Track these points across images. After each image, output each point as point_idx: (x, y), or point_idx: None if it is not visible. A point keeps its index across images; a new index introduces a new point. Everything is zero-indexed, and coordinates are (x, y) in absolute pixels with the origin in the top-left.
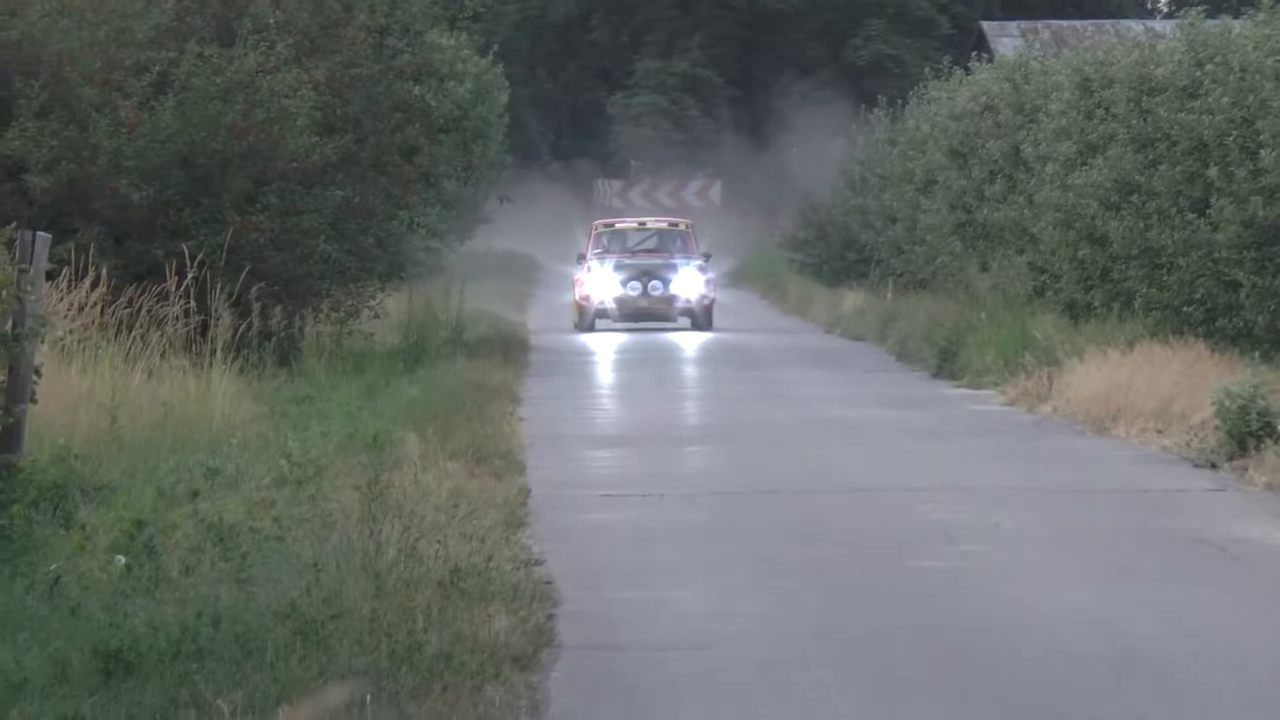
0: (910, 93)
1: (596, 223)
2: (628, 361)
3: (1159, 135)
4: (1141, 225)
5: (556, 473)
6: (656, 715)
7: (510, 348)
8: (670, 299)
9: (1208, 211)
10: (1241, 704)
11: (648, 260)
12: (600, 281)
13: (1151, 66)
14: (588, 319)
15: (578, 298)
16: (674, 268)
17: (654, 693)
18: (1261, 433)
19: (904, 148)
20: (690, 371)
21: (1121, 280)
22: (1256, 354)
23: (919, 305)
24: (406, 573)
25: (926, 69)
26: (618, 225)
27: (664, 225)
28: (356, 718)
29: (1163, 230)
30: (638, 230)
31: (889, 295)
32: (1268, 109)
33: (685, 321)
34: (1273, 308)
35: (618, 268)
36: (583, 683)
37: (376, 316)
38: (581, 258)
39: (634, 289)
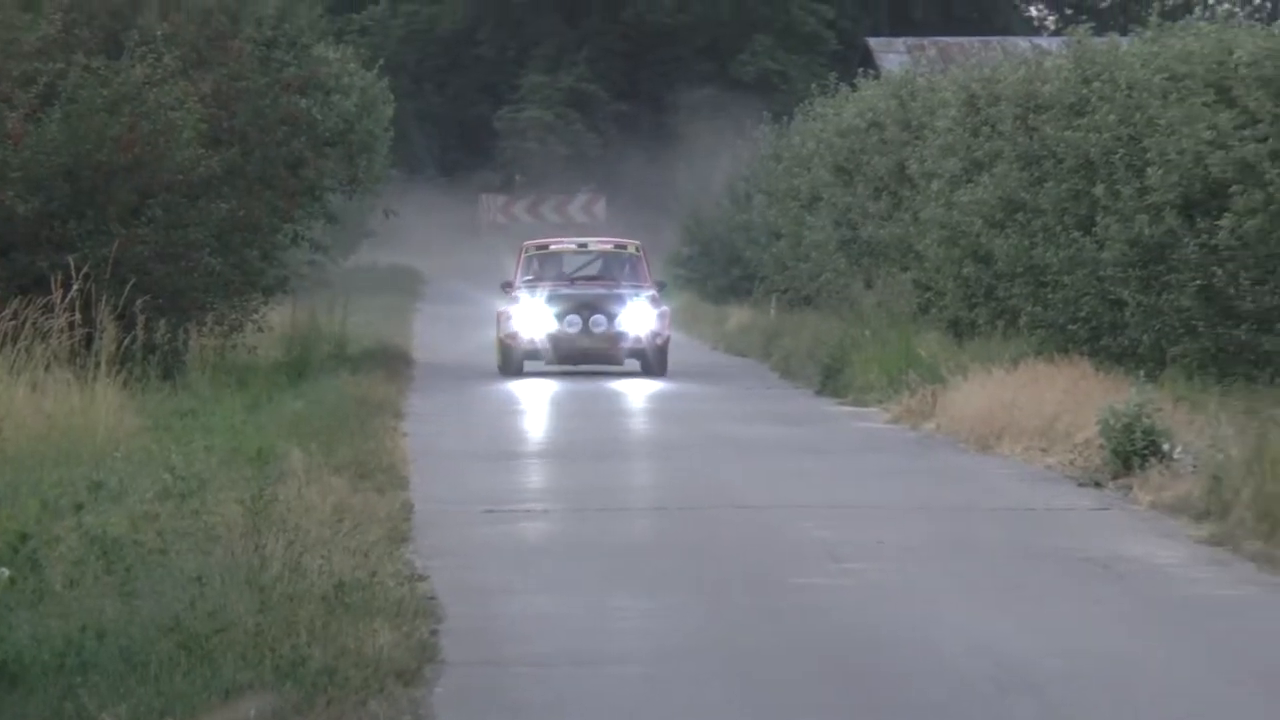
0: (796, 109)
1: (527, 244)
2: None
3: (1045, 153)
4: (1026, 243)
5: (440, 488)
6: None
7: (394, 362)
8: (616, 337)
9: (1093, 230)
10: None
11: (589, 290)
12: (531, 315)
13: (1038, 84)
14: (514, 360)
15: (503, 334)
16: (621, 299)
17: (538, 708)
18: (1146, 452)
19: (789, 164)
20: (575, 387)
21: (1006, 298)
22: (1141, 373)
23: (803, 322)
24: (290, 587)
25: (813, 85)
26: (552, 247)
27: (609, 247)
28: None
29: (1048, 248)
30: (577, 253)
31: (773, 312)
32: (1154, 127)
33: (634, 364)
34: (1157, 326)
35: (552, 299)
36: (467, 698)
37: (260, 330)
38: (508, 286)
39: (572, 325)
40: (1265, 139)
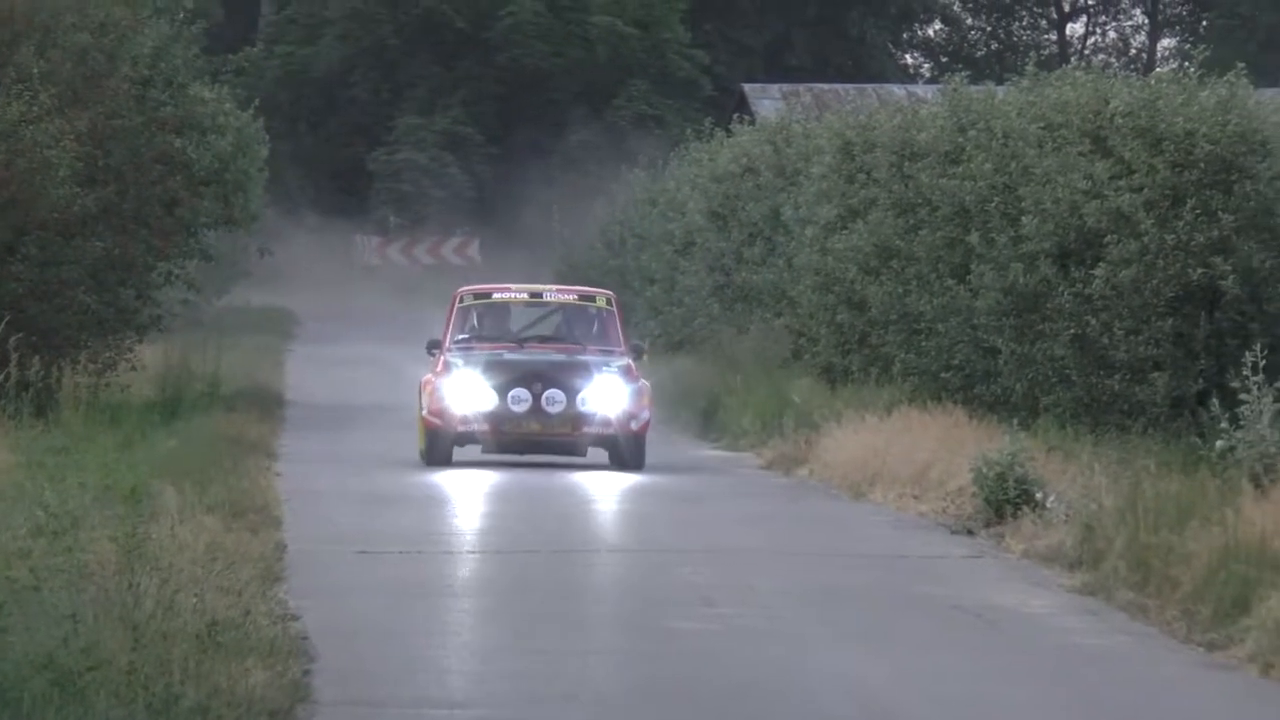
0: (671, 153)
1: (462, 292)
2: (387, 423)
3: (920, 200)
4: (901, 290)
5: (313, 528)
6: None
7: (267, 403)
8: (577, 419)
9: (968, 278)
10: None
11: (543, 356)
12: (464, 388)
13: (913, 131)
14: (441, 446)
15: (427, 411)
16: (585, 369)
17: None
18: (1019, 500)
19: (663, 208)
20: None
21: (880, 345)
22: (1014, 421)
23: (677, 367)
24: (164, 625)
25: (688, 130)
26: (496, 296)
27: (571, 298)
28: None
29: (922, 296)
30: (529, 304)
31: (645, 358)
32: (1030, 176)
33: (599, 454)
34: (1030, 375)
35: (493, 366)
36: None
37: (134, 369)
38: (434, 347)
39: (519, 402)
40: (1140, 189)
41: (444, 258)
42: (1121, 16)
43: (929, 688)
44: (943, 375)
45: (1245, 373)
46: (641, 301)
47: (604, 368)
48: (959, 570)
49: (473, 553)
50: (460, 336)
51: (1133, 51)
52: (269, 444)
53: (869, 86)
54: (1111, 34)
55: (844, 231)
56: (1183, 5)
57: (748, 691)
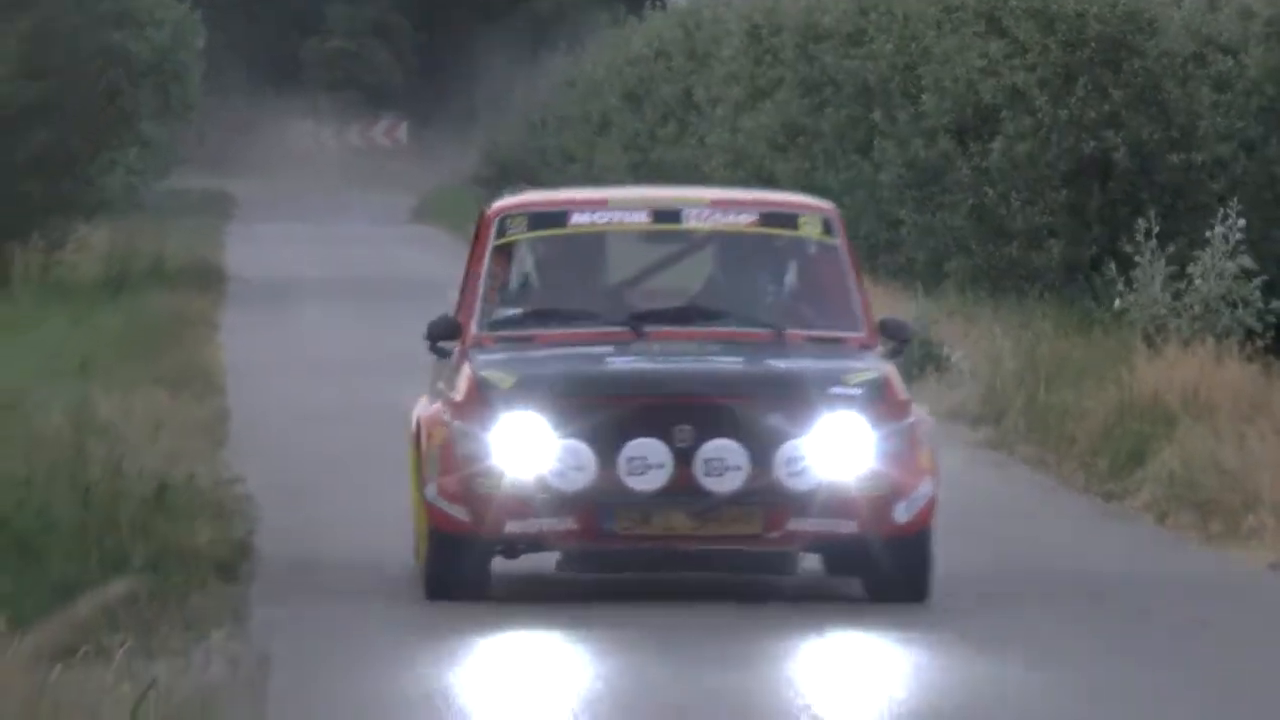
0: (588, 39)
1: (502, 209)
2: (325, 296)
3: (825, 80)
4: (808, 165)
5: (254, 397)
6: (351, 620)
7: (209, 279)
8: (775, 504)
9: (871, 153)
10: None
11: (691, 358)
12: (520, 445)
13: (818, 14)
14: (468, 562)
15: (435, 494)
16: (793, 390)
17: (349, 599)
18: (924, 361)
19: (582, 91)
20: (381, 306)
21: None
22: (919, 287)
23: None
24: (114, 488)
25: (603, 16)
26: (579, 220)
27: (745, 219)
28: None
29: (828, 171)
30: (654, 234)
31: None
32: (929, 56)
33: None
34: (932, 244)
35: (582, 390)
36: (282, 592)
37: (81, 250)
38: (448, 333)
39: (644, 470)
40: (1034, 67)
41: (374, 139)
42: None
43: None
44: None
45: (1138, 239)
46: (562, 179)
47: (835, 385)
48: None
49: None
50: (504, 312)
51: None
52: (212, 317)
53: None
54: None
55: (753, 111)
56: None
57: None
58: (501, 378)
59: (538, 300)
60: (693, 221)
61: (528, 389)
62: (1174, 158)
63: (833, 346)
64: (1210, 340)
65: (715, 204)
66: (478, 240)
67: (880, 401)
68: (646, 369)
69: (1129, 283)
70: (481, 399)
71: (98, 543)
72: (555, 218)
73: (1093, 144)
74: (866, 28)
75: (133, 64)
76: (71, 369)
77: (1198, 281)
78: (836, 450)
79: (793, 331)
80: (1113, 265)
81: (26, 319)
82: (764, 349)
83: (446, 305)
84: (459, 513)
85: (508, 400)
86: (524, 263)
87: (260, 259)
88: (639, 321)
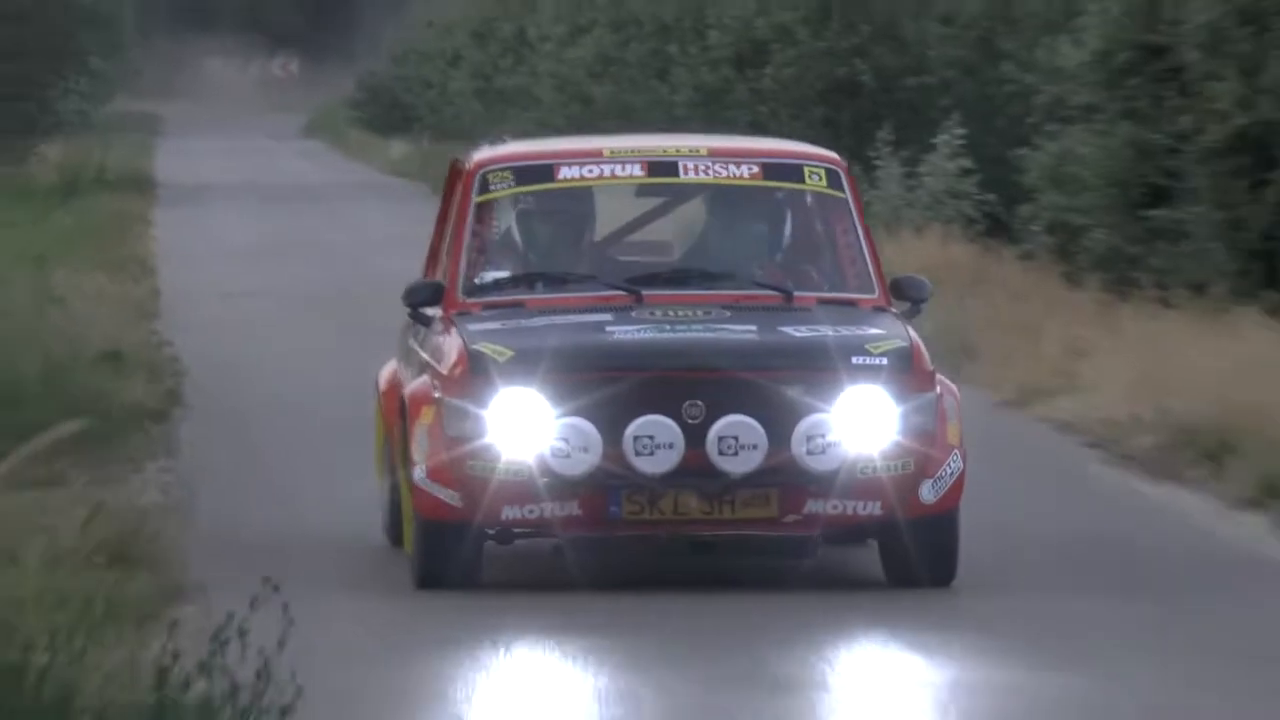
0: None
1: (482, 161)
2: (237, 193)
3: (631, 20)
4: (618, 89)
5: (181, 278)
6: (268, 451)
7: (143, 185)
8: (796, 487)
9: (668, 78)
10: None
11: (700, 324)
12: (518, 423)
13: None
14: (458, 550)
15: (422, 474)
16: (814, 358)
17: (266, 437)
18: None
19: (438, 31)
20: (280, 205)
21: (602, 132)
22: None
23: (448, 149)
24: (68, 350)
25: None
26: (568, 174)
27: (745, 172)
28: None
29: (634, 94)
30: (647, 186)
31: (426, 143)
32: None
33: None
34: None
35: (585, 361)
36: (209, 432)
37: (40, 163)
38: (428, 297)
39: (653, 449)
40: (798, 8)
41: (271, 74)
42: None
43: None
44: None
45: (880, 146)
46: (421, 102)
47: (858, 355)
48: None
49: (308, 297)
50: (492, 274)
51: None
52: (146, 216)
53: None
54: None
55: (574, 45)
56: None
57: None
58: (498, 350)
59: (524, 262)
60: (690, 174)
61: (526, 363)
62: (909, 80)
63: (847, 310)
64: (938, 226)
65: (714, 154)
66: (453, 196)
67: (906, 372)
68: (654, 339)
69: (872, 182)
70: (475, 373)
71: (56, 392)
72: (542, 171)
73: (844, 70)
74: None
75: (76, 11)
76: (32, 258)
77: (927, 179)
78: (860, 426)
79: (802, 294)
80: (860, 168)
81: None
82: (774, 314)
83: (323, 202)
84: (450, 497)
85: (505, 374)
86: (507, 217)
87: (185, 168)
88: (635, 284)
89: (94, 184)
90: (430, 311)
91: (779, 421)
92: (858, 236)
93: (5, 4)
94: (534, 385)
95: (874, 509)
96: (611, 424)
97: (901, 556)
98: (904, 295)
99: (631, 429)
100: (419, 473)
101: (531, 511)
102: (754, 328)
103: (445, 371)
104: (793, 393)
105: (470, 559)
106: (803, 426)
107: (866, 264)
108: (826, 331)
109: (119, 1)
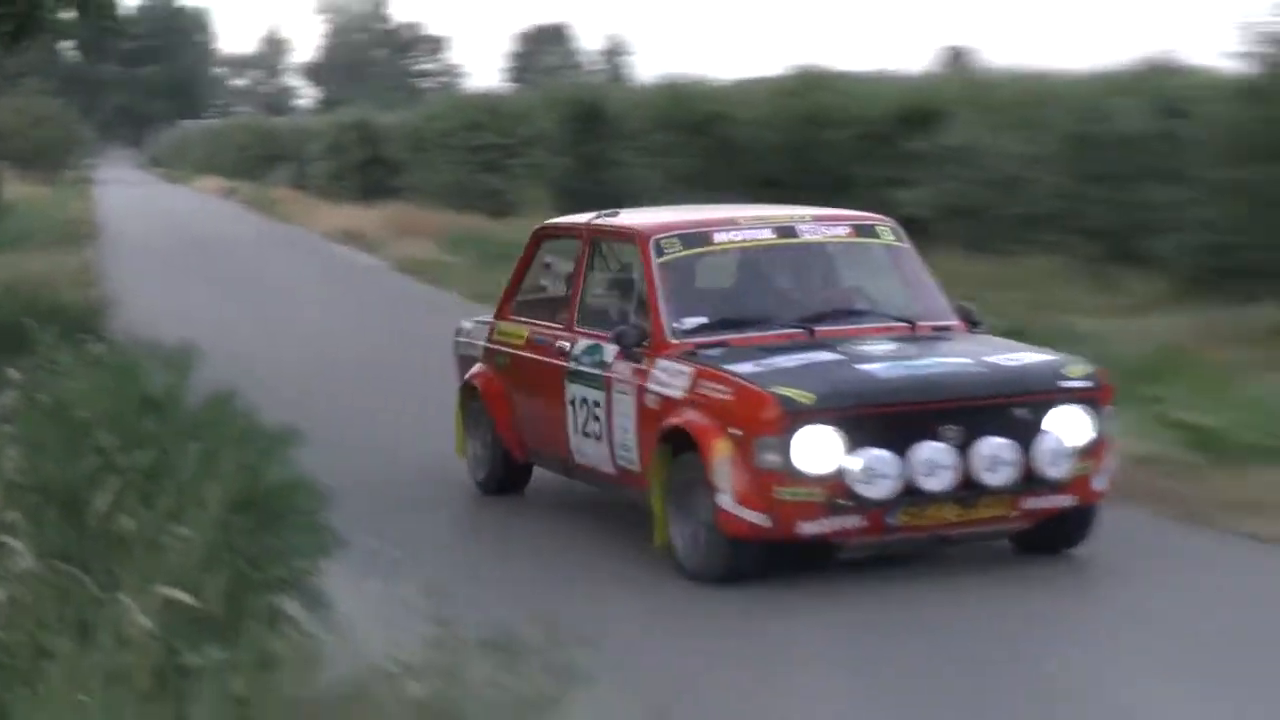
0: None
1: (652, 229)
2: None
3: None
4: None
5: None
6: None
7: None
8: (1022, 490)
9: None
10: None
11: (935, 368)
12: (822, 452)
13: None
14: (749, 556)
15: (733, 499)
16: (1032, 385)
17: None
18: None
19: None
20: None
21: None
22: None
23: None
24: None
25: None
26: (719, 238)
27: (842, 231)
28: None
29: None
30: (777, 245)
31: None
32: None
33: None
34: None
35: (860, 397)
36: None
37: None
38: (633, 339)
39: (936, 470)
40: None
41: None
42: None
43: None
44: None
45: None
46: None
47: (1061, 378)
48: None
49: (189, 244)
50: (693, 321)
51: None
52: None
53: None
54: None
55: None
56: None
57: None
58: (801, 394)
59: (712, 309)
60: (805, 235)
61: (825, 403)
62: None
63: (962, 335)
64: None
65: (817, 219)
66: (532, 256)
67: (1098, 389)
68: (913, 376)
69: None
70: (783, 413)
71: (27, 302)
72: (701, 237)
73: None
74: None
75: None
76: None
77: None
78: (1075, 438)
79: (921, 324)
80: None
81: None
82: (947, 344)
83: None
84: (759, 519)
85: (807, 414)
86: (690, 274)
87: None
88: (805, 323)
89: None
90: (639, 351)
91: (1022, 439)
92: (927, 275)
93: None
94: (830, 422)
95: (1066, 500)
96: (902, 452)
97: (1054, 530)
98: (967, 319)
99: (917, 454)
100: (726, 499)
101: (825, 526)
102: (969, 360)
103: (745, 412)
104: (1024, 413)
105: (755, 560)
106: (1043, 442)
107: (941, 296)
108: (1027, 359)
109: None
